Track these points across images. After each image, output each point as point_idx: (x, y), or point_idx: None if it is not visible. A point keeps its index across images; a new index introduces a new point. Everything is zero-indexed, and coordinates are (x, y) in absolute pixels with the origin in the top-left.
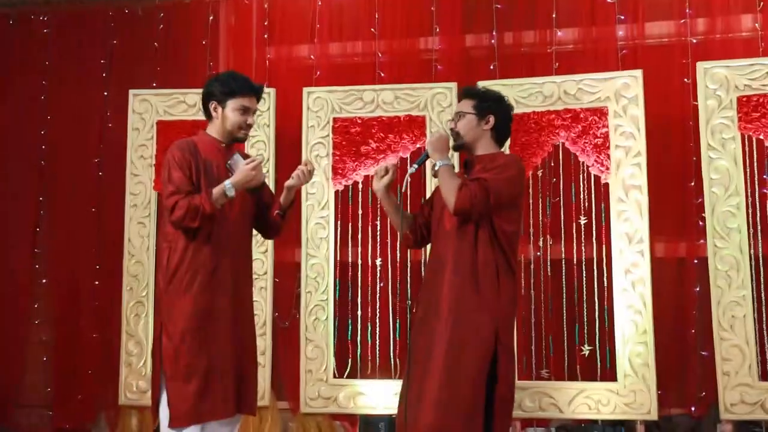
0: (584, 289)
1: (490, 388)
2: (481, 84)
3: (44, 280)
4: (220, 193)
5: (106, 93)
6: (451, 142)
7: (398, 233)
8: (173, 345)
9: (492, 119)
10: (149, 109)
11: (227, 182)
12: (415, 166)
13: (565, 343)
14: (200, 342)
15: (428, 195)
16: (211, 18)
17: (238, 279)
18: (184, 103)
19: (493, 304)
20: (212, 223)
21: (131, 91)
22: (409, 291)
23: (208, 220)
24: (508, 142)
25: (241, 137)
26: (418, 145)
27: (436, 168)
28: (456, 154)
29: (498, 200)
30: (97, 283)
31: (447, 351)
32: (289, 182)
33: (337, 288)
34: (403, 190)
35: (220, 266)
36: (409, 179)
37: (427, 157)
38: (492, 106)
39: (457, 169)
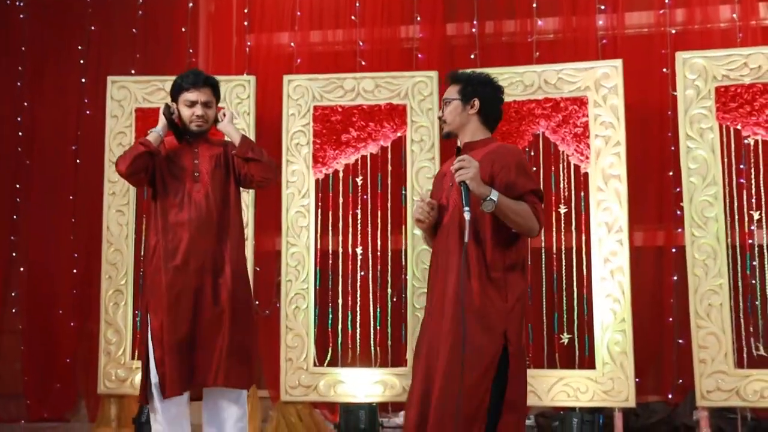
0: (563, 277)
1: (499, 392)
2: None
3: (21, 269)
4: (151, 133)
5: (83, 79)
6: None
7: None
8: (158, 321)
9: (477, 102)
10: (128, 96)
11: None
12: (468, 208)
13: (545, 332)
14: (172, 319)
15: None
16: (190, 5)
17: (206, 258)
18: (163, 90)
19: (500, 303)
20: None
21: (109, 78)
22: (389, 280)
23: (143, 156)
24: None
25: (194, 129)
26: (398, 134)
27: (495, 201)
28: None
29: None
30: (75, 271)
31: (450, 353)
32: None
33: (318, 276)
34: (467, 240)
35: (182, 247)
36: (468, 225)
37: (470, 190)
38: (477, 89)
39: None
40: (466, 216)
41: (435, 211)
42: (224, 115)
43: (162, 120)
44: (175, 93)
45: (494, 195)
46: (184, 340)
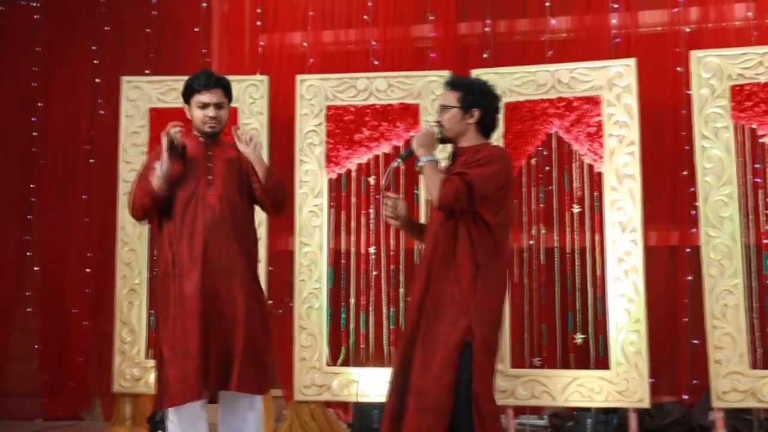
0: (577, 277)
1: (466, 386)
2: (475, 72)
3: (36, 268)
4: (155, 173)
5: (97, 80)
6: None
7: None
8: (169, 328)
9: (477, 113)
10: (142, 96)
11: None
12: (399, 160)
13: (558, 332)
14: (186, 323)
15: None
16: (204, 5)
17: (219, 262)
18: (176, 91)
19: (468, 297)
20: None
21: (123, 78)
22: (402, 279)
23: (151, 208)
24: (501, 131)
25: (207, 131)
26: (411, 134)
27: (421, 164)
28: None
29: (481, 194)
30: (88, 270)
31: (422, 345)
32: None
33: (331, 276)
34: (383, 183)
35: (196, 250)
36: (391, 173)
37: (412, 152)
38: (477, 99)
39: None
40: (393, 164)
41: (401, 203)
42: (250, 139)
43: (164, 154)
44: (187, 95)
45: (425, 159)
46: (198, 344)
